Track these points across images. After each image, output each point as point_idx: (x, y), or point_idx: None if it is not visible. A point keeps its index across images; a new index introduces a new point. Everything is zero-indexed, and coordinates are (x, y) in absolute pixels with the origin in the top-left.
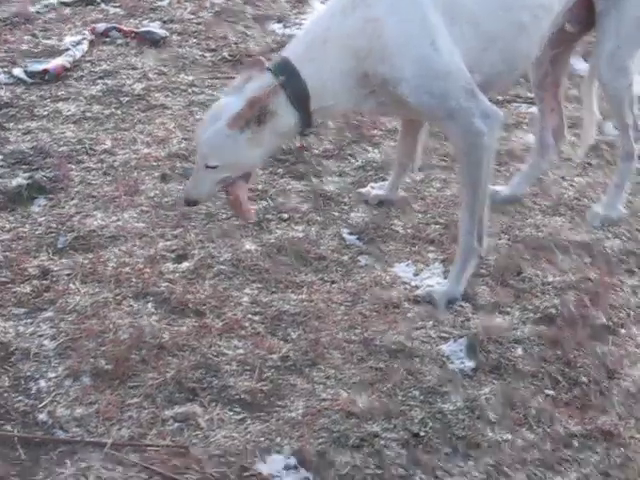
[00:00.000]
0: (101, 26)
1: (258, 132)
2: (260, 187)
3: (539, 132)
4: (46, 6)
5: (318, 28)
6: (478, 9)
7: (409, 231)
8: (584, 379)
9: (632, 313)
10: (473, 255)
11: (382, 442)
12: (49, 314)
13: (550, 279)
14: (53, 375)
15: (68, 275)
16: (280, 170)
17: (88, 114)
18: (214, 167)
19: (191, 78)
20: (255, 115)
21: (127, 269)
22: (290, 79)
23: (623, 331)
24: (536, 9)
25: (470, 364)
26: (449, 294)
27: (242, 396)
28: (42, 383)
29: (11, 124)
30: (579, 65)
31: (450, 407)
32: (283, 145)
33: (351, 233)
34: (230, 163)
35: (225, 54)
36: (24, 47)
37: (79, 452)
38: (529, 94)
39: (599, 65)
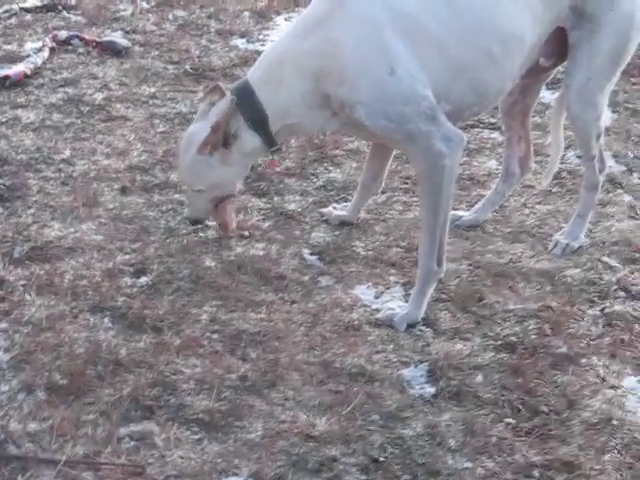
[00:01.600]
0: (63, 34)
1: (227, 154)
2: None
3: (505, 159)
4: (7, 11)
5: (278, 49)
6: (444, 35)
7: (370, 253)
8: (544, 408)
9: (592, 343)
10: (433, 278)
11: (341, 467)
12: (3, 325)
13: (511, 306)
14: (6, 388)
15: (24, 286)
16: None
17: (48, 122)
18: (200, 190)
19: (153, 90)
20: (220, 139)
21: (84, 282)
22: (245, 101)
23: (584, 361)
24: (506, 40)
25: (430, 390)
26: (409, 317)
27: (199, 416)
28: None
29: None
30: (542, 93)
31: (410, 433)
32: (251, 165)
33: (312, 253)
34: (211, 185)
35: (187, 67)
36: None
37: (32, 468)
38: (492, 119)
39: (569, 97)
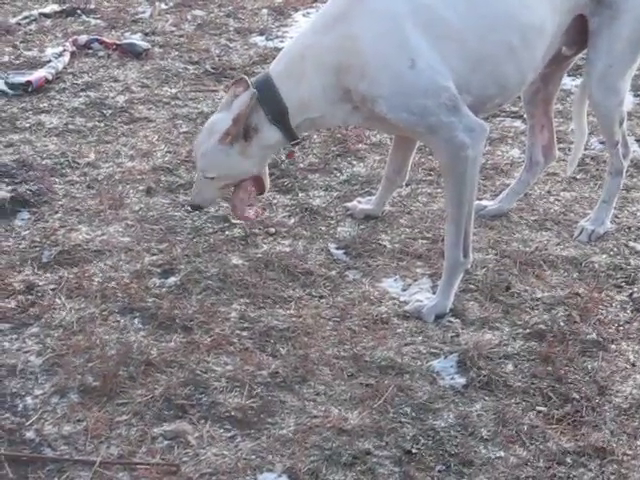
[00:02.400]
0: (83, 38)
1: (246, 146)
2: None
3: (529, 148)
4: (27, 17)
5: (299, 44)
6: (464, 28)
7: (396, 246)
8: (575, 395)
9: (621, 328)
10: (459, 269)
11: (374, 460)
12: (35, 329)
13: (539, 294)
14: (40, 392)
15: (53, 290)
16: None
17: (71, 126)
18: (212, 178)
19: (174, 91)
20: (241, 131)
21: (113, 284)
22: (266, 95)
23: (613, 347)
24: (526, 31)
25: (461, 380)
26: (438, 309)
27: (232, 413)
28: (29, 400)
29: None
30: (563, 80)
31: (442, 424)
32: (270, 157)
33: (338, 248)
34: (225, 174)
35: (208, 67)
36: (5, 59)
37: (68, 470)
38: (514, 108)
39: (590, 84)
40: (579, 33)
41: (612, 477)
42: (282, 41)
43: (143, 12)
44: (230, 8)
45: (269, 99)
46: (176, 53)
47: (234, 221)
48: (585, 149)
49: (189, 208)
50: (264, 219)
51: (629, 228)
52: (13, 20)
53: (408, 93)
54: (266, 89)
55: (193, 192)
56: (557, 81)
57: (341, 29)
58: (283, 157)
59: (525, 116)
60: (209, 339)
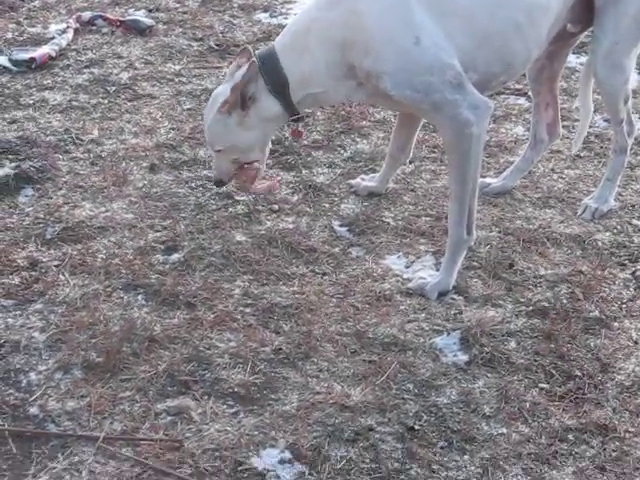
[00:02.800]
0: (86, 14)
1: (245, 116)
2: None
3: (533, 126)
4: None
5: (305, 18)
6: (469, 4)
7: (400, 223)
8: (578, 372)
9: (624, 306)
10: (463, 246)
11: (377, 436)
12: (38, 306)
13: (542, 272)
14: (44, 368)
15: (57, 266)
16: (269, 161)
17: (75, 103)
18: (220, 150)
19: (178, 67)
20: (238, 99)
21: (117, 260)
22: (268, 66)
23: (616, 324)
24: (532, 9)
25: (464, 357)
26: (441, 286)
27: (235, 389)
28: (32, 376)
29: None
30: (568, 58)
31: (444, 400)
32: (277, 131)
33: (342, 225)
34: (230, 146)
35: (212, 43)
36: (9, 35)
37: (71, 446)
38: (518, 86)
39: (595, 62)
40: (585, 10)
41: (614, 454)
42: (286, 18)
43: None
44: None
45: (270, 69)
46: (180, 30)
47: (238, 198)
48: (589, 127)
49: (213, 185)
50: (267, 196)
51: (633, 206)
52: None
53: (412, 70)
54: (268, 60)
55: (213, 167)
56: (562, 59)
57: (346, 4)
58: (287, 135)
59: (530, 94)
60: (212, 315)
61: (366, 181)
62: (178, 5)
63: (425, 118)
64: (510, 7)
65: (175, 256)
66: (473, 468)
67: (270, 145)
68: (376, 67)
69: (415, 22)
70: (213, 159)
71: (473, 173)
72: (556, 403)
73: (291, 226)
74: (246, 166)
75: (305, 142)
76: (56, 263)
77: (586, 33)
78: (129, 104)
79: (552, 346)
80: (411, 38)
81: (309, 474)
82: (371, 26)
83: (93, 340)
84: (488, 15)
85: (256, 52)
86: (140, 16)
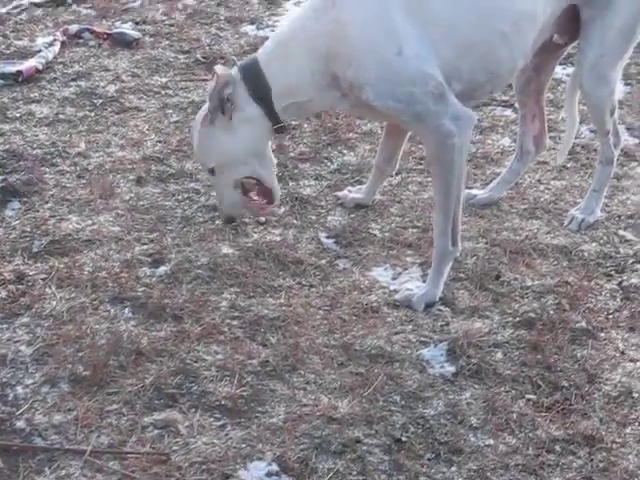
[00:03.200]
0: (73, 27)
1: (227, 121)
2: None
3: (520, 138)
4: (17, 7)
5: (289, 28)
6: (453, 16)
7: (386, 235)
8: (565, 383)
9: (611, 317)
10: (448, 257)
11: (364, 448)
12: (25, 319)
13: (529, 283)
14: (30, 382)
15: (44, 280)
16: None
17: (61, 116)
18: (213, 170)
19: (164, 80)
20: (217, 105)
21: (103, 273)
22: (249, 73)
23: (602, 335)
24: (518, 18)
25: (451, 369)
26: (427, 297)
27: (222, 402)
28: (19, 390)
29: None
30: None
31: (431, 412)
32: (264, 141)
33: (328, 237)
34: (222, 160)
35: (198, 56)
36: None
37: (58, 460)
38: (504, 97)
39: (582, 74)
40: (571, 22)
41: (601, 465)
42: (272, 30)
43: (133, 1)
44: None
45: (251, 76)
46: (167, 42)
47: None
48: (576, 138)
49: (223, 225)
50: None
51: (619, 217)
52: (3, 9)
53: (394, 80)
54: (250, 68)
55: (218, 204)
56: (549, 71)
57: (332, 15)
58: (273, 147)
59: (517, 105)
60: (199, 328)
61: (353, 193)
62: (165, 18)
63: (408, 129)
64: (495, 16)
65: (162, 269)
66: (460, 479)
67: (275, 163)
68: (358, 77)
69: (398, 32)
70: (216, 193)
71: (457, 184)
72: (543, 414)
73: (278, 238)
74: (254, 194)
75: (292, 154)
76: (43, 276)
77: (573, 45)
78: (116, 117)
79: (539, 357)
80: (394, 48)
81: None
82: (354, 36)
83: (80, 353)
84: (472, 24)
85: (238, 62)
86: (127, 29)
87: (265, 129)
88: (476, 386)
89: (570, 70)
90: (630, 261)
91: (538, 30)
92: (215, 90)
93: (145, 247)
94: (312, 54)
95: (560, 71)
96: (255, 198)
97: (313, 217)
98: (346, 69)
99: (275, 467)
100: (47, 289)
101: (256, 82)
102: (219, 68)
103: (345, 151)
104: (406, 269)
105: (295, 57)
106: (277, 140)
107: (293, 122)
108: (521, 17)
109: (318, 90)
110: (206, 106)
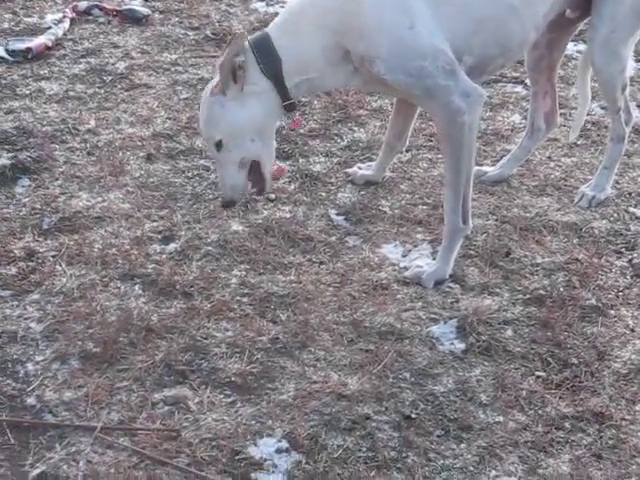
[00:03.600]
0: (83, 4)
1: (239, 90)
2: None
3: (531, 114)
4: None
5: (300, 4)
6: None
7: (396, 212)
8: (574, 360)
9: (621, 294)
10: (459, 235)
11: (374, 424)
12: (35, 296)
13: (539, 260)
14: (41, 358)
15: (54, 257)
16: None
17: (71, 93)
18: (220, 144)
19: (174, 57)
20: (229, 74)
21: (113, 250)
22: (260, 46)
23: (612, 312)
24: None
25: (460, 346)
26: (437, 274)
27: (232, 379)
28: (30, 366)
29: None
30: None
31: (441, 389)
32: (273, 120)
33: (338, 214)
34: (230, 132)
35: (208, 32)
36: (5, 25)
37: (69, 436)
38: (514, 74)
39: (593, 50)
40: None
41: (610, 442)
42: (282, 6)
43: None
44: None
45: (262, 49)
46: (176, 19)
47: None
48: (587, 115)
49: (222, 209)
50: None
51: (630, 194)
52: None
53: (406, 55)
54: (261, 41)
55: (219, 186)
56: (562, 48)
57: None
58: (284, 124)
59: (528, 82)
60: (209, 305)
61: (363, 170)
62: None
63: (418, 105)
64: None
65: (172, 246)
66: (470, 456)
67: (275, 145)
68: (370, 51)
69: (410, 7)
70: (219, 172)
71: (467, 161)
72: (552, 391)
73: (288, 215)
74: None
75: (302, 131)
76: (53, 253)
77: (585, 22)
78: (125, 94)
79: (549, 334)
80: (406, 23)
81: (306, 463)
82: (367, 11)
83: (90, 330)
84: (484, 1)
85: (249, 37)
86: (136, 5)
87: (275, 105)
88: (486, 363)
89: (581, 47)
90: None
91: (549, 3)
92: (229, 55)
93: (155, 224)
94: (323, 29)
95: (571, 47)
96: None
97: (323, 194)
98: (357, 43)
99: (285, 444)
100: (57, 266)
101: (268, 57)
102: (236, 36)
103: (355, 128)
104: (416, 246)
105: (306, 33)
106: (287, 118)
107: (302, 99)
108: None
109: (330, 66)
110: (216, 79)
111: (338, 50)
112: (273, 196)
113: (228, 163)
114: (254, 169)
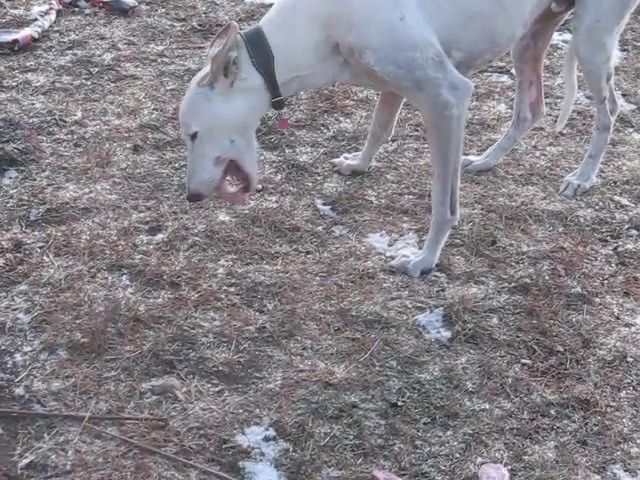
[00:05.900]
0: None
1: (227, 86)
2: None
3: (516, 105)
4: None
5: None
6: None
7: (383, 201)
8: (560, 348)
9: (606, 282)
10: (447, 226)
11: (360, 412)
12: (23, 287)
13: (524, 248)
14: (29, 349)
15: (41, 248)
16: None
17: (58, 85)
18: (195, 136)
19: (161, 48)
20: (221, 67)
21: (101, 241)
22: (253, 40)
23: (597, 300)
24: None
25: (446, 334)
26: (424, 264)
27: (219, 368)
28: (18, 357)
29: None
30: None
31: (427, 377)
32: (256, 118)
33: (325, 203)
34: (209, 126)
35: (194, 24)
36: None
37: (57, 426)
38: (500, 63)
39: (578, 40)
40: None
41: (595, 428)
42: None
43: None
44: None
45: (255, 44)
46: (163, 10)
47: None
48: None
49: (187, 201)
50: None
51: (615, 182)
52: None
53: (396, 46)
54: (254, 36)
55: (188, 178)
56: (547, 38)
57: None
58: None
59: (514, 72)
60: (196, 295)
61: (349, 160)
62: None
63: (407, 97)
64: None
65: (159, 236)
66: (456, 444)
67: (257, 151)
68: (359, 42)
69: (401, 0)
70: (190, 163)
71: (455, 154)
72: (538, 378)
73: (274, 205)
74: (231, 178)
75: (288, 121)
76: (40, 244)
77: (570, 12)
78: (112, 85)
79: (534, 322)
80: (397, 14)
81: (293, 451)
82: (358, 2)
83: (78, 321)
84: None
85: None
86: None
87: (263, 101)
88: (472, 351)
89: (567, 37)
90: (625, 227)
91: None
92: (224, 47)
93: (142, 215)
94: (314, 23)
95: (556, 37)
96: (229, 179)
97: (309, 184)
98: (347, 34)
99: (272, 432)
100: (45, 257)
101: (260, 51)
102: (234, 24)
103: (341, 118)
104: (402, 235)
105: (299, 28)
106: (276, 119)
107: (289, 98)
108: None
109: (321, 61)
110: (206, 70)
111: (328, 45)
112: (260, 186)
113: (200, 156)
114: (235, 168)
